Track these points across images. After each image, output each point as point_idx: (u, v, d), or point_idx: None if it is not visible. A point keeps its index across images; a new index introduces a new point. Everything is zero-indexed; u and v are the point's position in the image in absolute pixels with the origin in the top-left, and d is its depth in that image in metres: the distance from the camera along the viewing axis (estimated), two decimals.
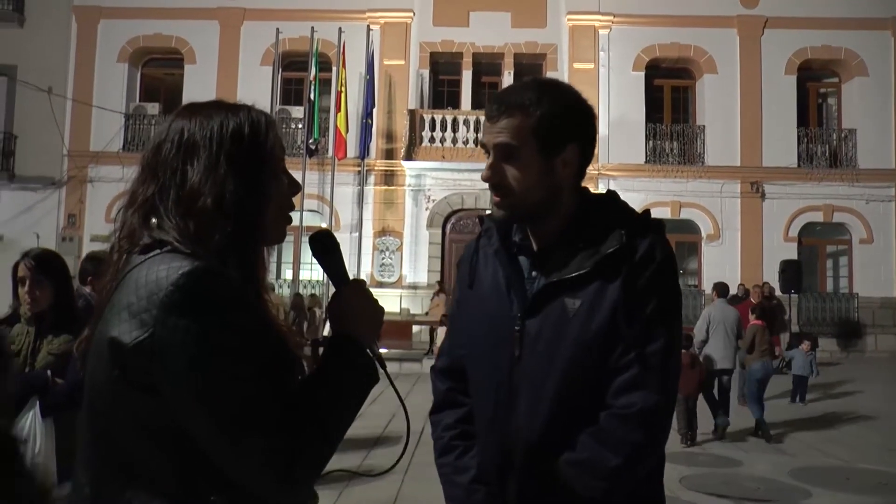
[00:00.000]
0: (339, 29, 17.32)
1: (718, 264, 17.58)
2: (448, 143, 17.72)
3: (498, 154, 1.57)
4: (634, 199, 17.49)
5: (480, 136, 1.97)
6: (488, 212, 1.71)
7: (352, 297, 1.35)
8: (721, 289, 9.85)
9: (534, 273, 1.62)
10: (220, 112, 1.30)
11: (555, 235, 1.61)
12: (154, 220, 1.24)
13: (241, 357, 1.14)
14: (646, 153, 18.23)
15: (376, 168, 18.13)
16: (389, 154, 18.19)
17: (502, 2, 18.43)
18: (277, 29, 17.59)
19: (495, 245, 1.67)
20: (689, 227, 18.17)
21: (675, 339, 1.55)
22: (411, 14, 18.58)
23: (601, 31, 18.54)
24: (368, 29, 17.92)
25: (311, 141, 16.89)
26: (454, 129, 17.64)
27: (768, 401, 9.38)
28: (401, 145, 17.98)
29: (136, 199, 1.26)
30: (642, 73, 18.53)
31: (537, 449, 1.56)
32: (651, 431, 1.51)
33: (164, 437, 1.15)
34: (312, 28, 17.28)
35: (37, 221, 18.09)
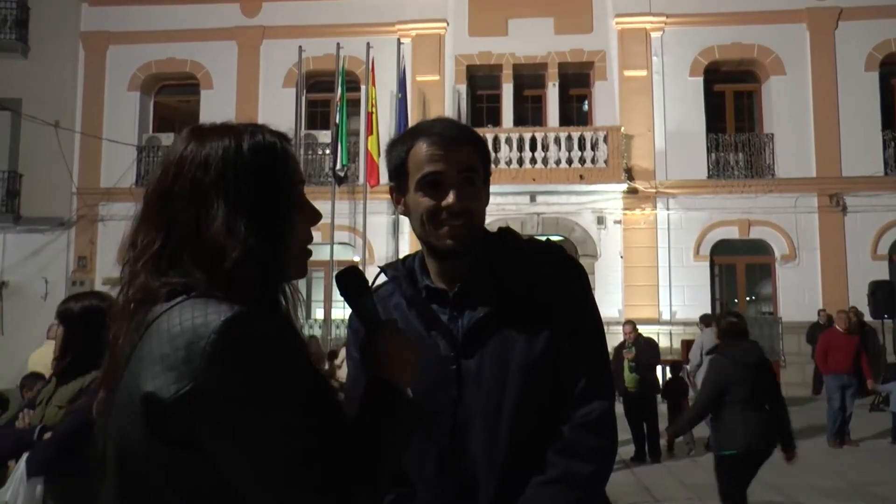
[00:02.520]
0: (367, 44, 16.60)
1: (796, 288, 16.52)
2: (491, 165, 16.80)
3: (461, 181, 1.66)
4: (697, 218, 16.70)
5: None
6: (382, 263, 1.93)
7: (388, 341, 1.35)
8: (706, 320, 11.81)
9: (454, 313, 1.70)
10: (234, 138, 1.25)
11: (467, 272, 1.71)
12: (168, 267, 1.20)
13: (294, 408, 1.13)
14: (708, 167, 17.25)
15: None
16: None
17: (543, 7, 17.62)
18: (300, 47, 16.96)
19: (409, 291, 1.75)
20: (761, 247, 17.13)
21: (606, 347, 1.75)
22: (445, 24, 17.83)
23: (653, 34, 17.67)
24: (399, 43, 17.20)
25: (339, 167, 16.22)
26: (495, 149, 16.76)
27: (864, 441, 9.97)
28: None
29: (146, 251, 1.22)
30: (700, 79, 17.58)
31: (501, 482, 1.61)
32: (613, 434, 1.67)
33: (201, 496, 1.13)
34: (338, 44, 16.62)
35: (45, 265, 17.65)
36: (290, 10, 17.88)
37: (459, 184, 1.65)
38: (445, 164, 1.65)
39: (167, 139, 17.96)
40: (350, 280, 1.42)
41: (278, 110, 16.97)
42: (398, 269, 1.80)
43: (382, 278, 1.81)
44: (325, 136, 17.58)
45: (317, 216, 1.32)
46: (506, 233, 1.79)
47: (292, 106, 17.05)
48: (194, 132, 1.28)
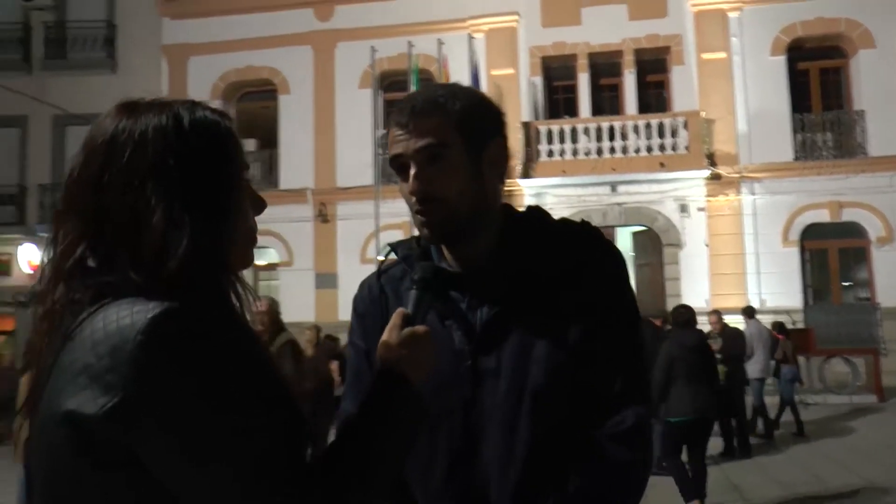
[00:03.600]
0: (439, 41, 16.88)
1: (894, 271, 16.07)
2: (568, 156, 16.96)
3: (421, 160, 1.46)
4: (784, 202, 16.43)
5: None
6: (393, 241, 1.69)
7: (412, 336, 1.29)
8: (749, 312, 12.03)
9: (473, 302, 1.52)
10: (171, 116, 1.11)
11: (484, 257, 1.53)
12: (93, 265, 1.08)
13: (243, 410, 1.01)
14: (794, 149, 16.93)
15: None
16: None
17: None
18: (372, 47, 17.30)
19: (418, 275, 1.48)
20: (854, 230, 16.75)
21: (643, 346, 1.58)
22: (517, 17, 17.97)
23: (731, 15, 17.44)
24: (470, 38, 17.38)
25: None
26: (574, 140, 16.87)
27: None
28: (516, 163, 17.28)
29: (71, 250, 1.08)
30: (783, 57, 17.25)
31: (515, 496, 1.46)
32: (646, 447, 1.49)
33: None
34: (409, 43, 16.90)
35: None
36: (362, 12, 18.30)
37: (419, 164, 1.45)
38: (404, 144, 1.46)
39: (248, 145, 18.63)
40: (430, 276, 1.41)
41: (355, 111, 17.49)
42: (412, 247, 1.59)
43: (393, 258, 1.62)
44: None
45: (262, 204, 1.21)
46: (534, 212, 1.60)
47: (369, 106, 17.45)
48: (126, 108, 1.13)
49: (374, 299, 1.60)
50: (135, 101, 1.14)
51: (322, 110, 18.22)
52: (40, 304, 1.10)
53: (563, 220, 1.58)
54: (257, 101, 19.86)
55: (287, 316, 14.86)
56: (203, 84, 18.96)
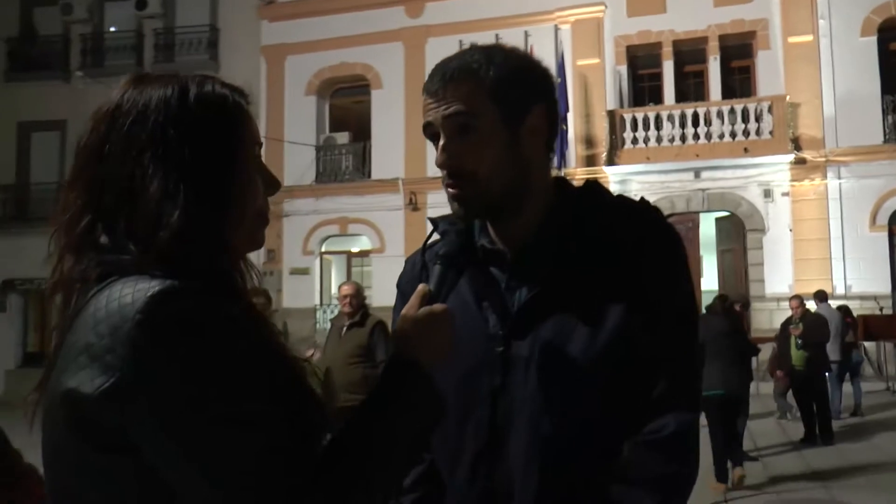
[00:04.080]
0: (525, 33, 17.34)
1: None
2: (652, 143, 17.28)
3: (450, 130, 1.36)
4: (872, 186, 16.35)
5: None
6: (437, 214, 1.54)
7: (429, 316, 1.22)
8: (820, 295, 12.31)
9: (512, 283, 1.42)
10: (178, 88, 1.08)
11: (530, 234, 1.42)
12: (104, 240, 1.05)
13: (245, 398, 0.96)
14: (884, 131, 16.75)
15: (577, 176, 17.98)
16: (590, 161, 18.01)
17: None
18: (460, 41, 17.80)
19: (456, 251, 1.41)
20: None
21: (697, 344, 1.42)
22: (603, 7, 18.25)
23: None
24: (556, 29, 17.85)
25: None
26: (657, 128, 17.19)
27: None
28: (602, 150, 17.75)
29: (76, 221, 1.06)
30: (874, 38, 16.98)
31: (541, 499, 1.33)
32: (689, 458, 1.35)
33: None
34: (497, 36, 17.21)
35: None
36: (451, 8, 18.83)
37: (448, 134, 1.36)
38: (434, 112, 1.37)
39: (342, 138, 19.62)
40: (456, 252, 1.37)
41: None
42: (454, 223, 1.47)
43: (436, 235, 1.51)
44: None
45: (276, 184, 1.18)
46: (590, 186, 1.49)
47: None
48: (135, 80, 1.11)
49: (415, 276, 1.50)
50: (146, 73, 1.12)
51: (413, 103, 18.89)
52: (50, 277, 1.07)
53: (620, 197, 1.45)
54: (351, 96, 20.67)
55: (379, 300, 15.73)
56: (299, 81, 19.93)
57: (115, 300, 0.97)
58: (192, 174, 1.05)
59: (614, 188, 17.72)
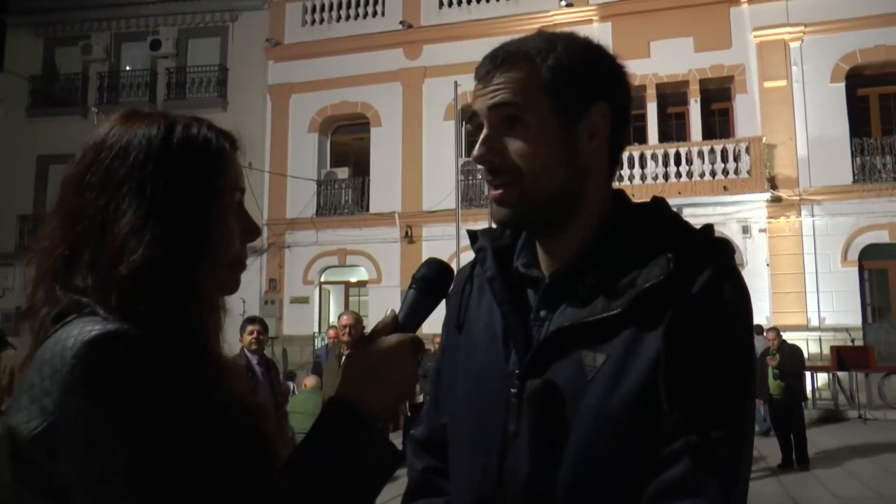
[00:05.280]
0: None
1: None
2: (637, 181, 17.57)
3: (494, 121, 1.16)
4: (843, 223, 16.67)
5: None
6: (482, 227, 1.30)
7: (387, 349, 1.05)
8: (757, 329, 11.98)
9: (542, 312, 1.20)
10: (164, 127, 1.04)
11: (574, 255, 1.19)
12: (69, 280, 1.00)
13: (169, 450, 0.89)
14: (853, 172, 17.25)
15: None
16: None
17: (684, 27, 18.15)
18: (456, 82, 18.11)
19: (491, 271, 1.25)
20: None
21: (747, 422, 1.09)
22: None
23: (792, 45, 17.82)
24: None
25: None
26: (642, 166, 17.54)
27: None
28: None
29: (51, 252, 1.01)
30: (842, 84, 17.55)
31: None
32: None
33: None
34: None
35: (243, 288, 18.85)
36: (447, 50, 19.24)
37: (492, 125, 1.16)
38: (480, 100, 1.18)
39: (342, 173, 20.05)
40: (435, 276, 1.15)
41: (439, 141, 18.49)
42: (495, 239, 1.30)
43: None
44: None
45: (255, 231, 1.11)
46: (654, 204, 1.23)
47: (452, 137, 18.34)
48: (124, 116, 1.08)
49: (457, 288, 1.34)
50: (136, 110, 1.09)
51: (410, 140, 19.27)
52: (24, 305, 1.04)
53: (687, 224, 1.19)
54: (351, 133, 21.16)
55: None
56: (302, 119, 20.42)
57: (62, 342, 0.92)
58: (163, 213, 1.00)
59: None
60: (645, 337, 1.09)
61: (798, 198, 16.92)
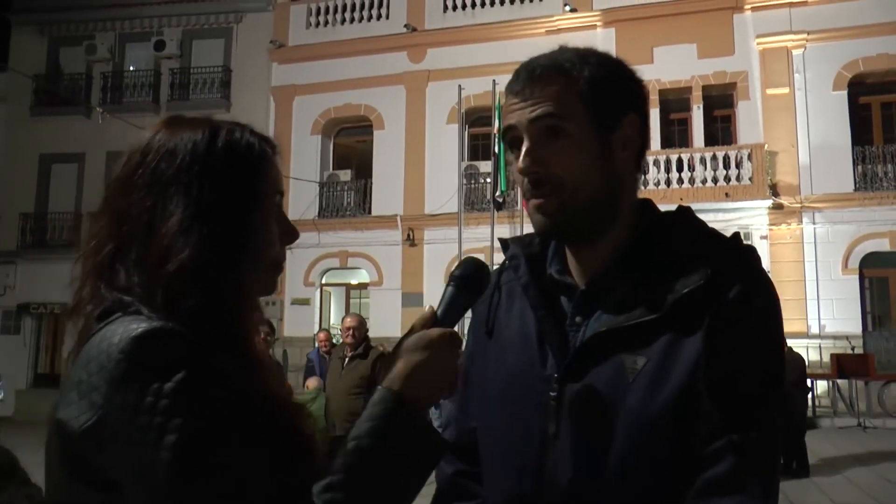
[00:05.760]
0: None
1: None
2: (639, 186, 17.37)
3: (536, 134, 1.19)
4: (844, 231, 16.66)
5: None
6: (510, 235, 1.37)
7: (428, 341, 1.05)
8: None
9: (577, 318, 1.23)
10: (209, 132, 1.07)
11: (607, 263, 1.23)
12: (115, 279, 1.03)
13: (215, 440, 0.91)
14: (854, 180, 17.22)
15: None
16: None
17: (687, 33, 18.11)
18: (459, 86, 18.16)
19: (525, 278, 1.28)
20: None
21: (779, 421, 1.14)
22: None
23: (795, 52, 17.79)
24: None
25: (497, 194, 17.28)
26: (644, 172, 17.25)
27: None
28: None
29: (98, 250, 1.05)
30: (845, 92, 17.53)
31: None
32: None
33: None
34: (494, 81, 17.66)
35: None
36: (451, 54, 19.31)
37: (533, 138, 1.19)
38: (518, 114, 1.20)
39: (345, 175, 20.04)
40: (473, 276, 1.15)
41: (442, 145, 18.46)
42: (526, 246, 1.33)
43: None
44: (485, 167, 18.80)
45: (293, 234, 1.14)
46: (682, 213, 1.28)
47: (455, 140, 18.34)
48: (168, 121, 1.11)
49: (485, 296, 1.32)
50: (180, 116, 1.13)
51: (413, 143, 19.25)
52: (71, 301, 1.06)
53: (715, 232, 1.23)
54: (354, 135, 21.13)
55: (375, 331, 15.82)
56: (305, 121, 20.39)
57: (107, 339, 0.95)
58: (210, 214, 1.03)
59: None
60: (684, 341, 1.12)
61: (799, 205, 16.90)
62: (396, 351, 1.07)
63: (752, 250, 1.21)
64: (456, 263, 1.24)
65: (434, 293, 17.62)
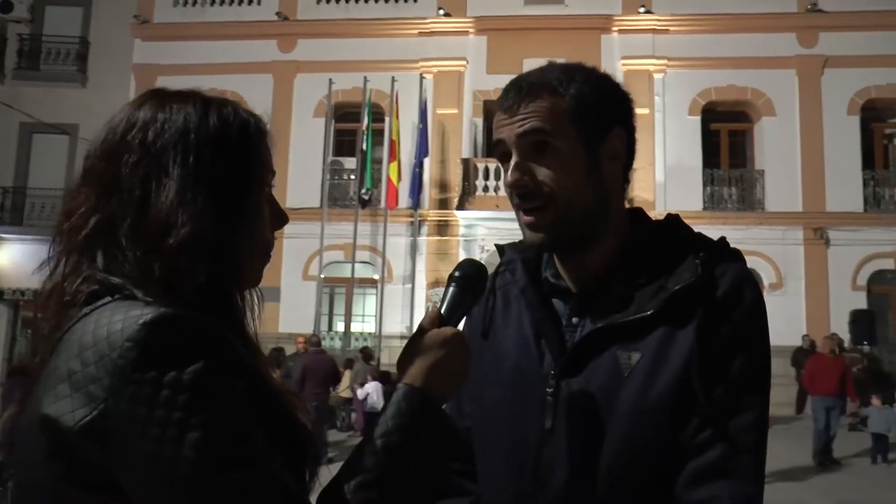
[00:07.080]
0: (392, 78, 17.73)
1: (782, 315, 16.99)
2: (502, 192, 17.59)
3: (525, 149, 1.21)
4: None
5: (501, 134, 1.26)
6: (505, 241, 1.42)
7: (439, 339, 1.06)
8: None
9: (574, 319, 1.27)
10: (200, 104, 1.01)
11: (600, 271, 1.26)
12: (101, 257, 0.94)
13: (237, 433, 0.86)
14: (703, 200, 18.17)
15: (429, 218, 18.25)
16: (443, 204, 18.38)
17: (557, 49, 18.19)
18: (330, 80, 17.85)
19: (522, 281, 1.32)
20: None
21: (766, 409, 1.18)
22: (464, 62, 18.91)
23: (656, 76, 18.60)
24: (422, 78, 18.23)
25: (363, 191, 17.13)
26: (494, 177, 17.59)
27: (844, 459, 9.92)
28: (454, 195, 18.04)
29: (81, 225, 0.95)
30: (698, 118, 18.51)
31: None
32: None
33: None
34: (365, 78, 17.59)
35: None
36: (322, 47, 18.99)
37: (522, 152, 1.21)
38: (507, 129, 1.22)
39: None
40: (474, 274, 1.16)
41: (308, 138, 18.01)
42: (522, 252, 1.35)
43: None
44: (350, 163, 18.63)
45: (283, 218, 1.08)
46: (670, 221, 1.33)
47: (321, 134, 17.96)
48: (153, 93, 1.05)
49: (482, 298, 1.33)
50: (164, 89, 1.07)
51: (277, 135, 17.92)
52: (47, 281, 0.98)
53: (699, 235, 1.29)
54: None
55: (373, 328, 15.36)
56: None
57: (104, 326, 0.87)
58: (212, 187, 0.97)
59: (463, 231, 18.02)
60: (677, 335, 1.17)
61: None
62: (411, 349, 1.07)
63: (737, 252, 1.26)
64: (454, 265, 1.22)
65: (292, 288, 17.18)
